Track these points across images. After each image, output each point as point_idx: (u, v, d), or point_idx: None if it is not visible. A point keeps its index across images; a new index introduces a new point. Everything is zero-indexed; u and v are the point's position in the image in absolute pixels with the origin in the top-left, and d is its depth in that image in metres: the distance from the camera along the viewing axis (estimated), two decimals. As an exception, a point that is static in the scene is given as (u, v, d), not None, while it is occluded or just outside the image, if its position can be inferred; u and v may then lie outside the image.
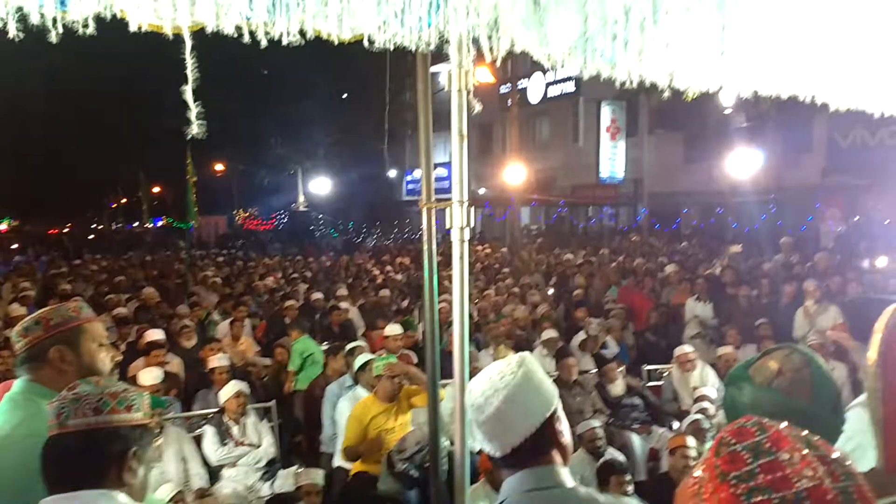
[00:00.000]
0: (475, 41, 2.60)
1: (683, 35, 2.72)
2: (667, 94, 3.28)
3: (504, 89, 23.90)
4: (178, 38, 2.02)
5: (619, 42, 2.66)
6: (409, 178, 34.59)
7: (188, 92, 2.04)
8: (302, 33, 2.25)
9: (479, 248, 20.13)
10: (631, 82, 2.99)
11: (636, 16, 2.56)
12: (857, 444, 1.85)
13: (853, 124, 16.58)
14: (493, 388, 1.77)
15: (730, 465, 0.91)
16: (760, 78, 3.18)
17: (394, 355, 5.91)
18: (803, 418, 1.49)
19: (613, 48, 2.70)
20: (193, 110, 2.07)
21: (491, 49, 2.61)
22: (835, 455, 0.91)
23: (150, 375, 5.73)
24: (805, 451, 0.89)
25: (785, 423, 0.95)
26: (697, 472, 0.97)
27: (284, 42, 2.24)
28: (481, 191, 29.38)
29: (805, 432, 0.94)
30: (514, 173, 20.47)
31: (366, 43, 2.37)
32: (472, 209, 2.92)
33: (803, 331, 8.16)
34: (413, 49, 2.51)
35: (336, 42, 2.40)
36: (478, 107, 2.87)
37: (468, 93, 2.98)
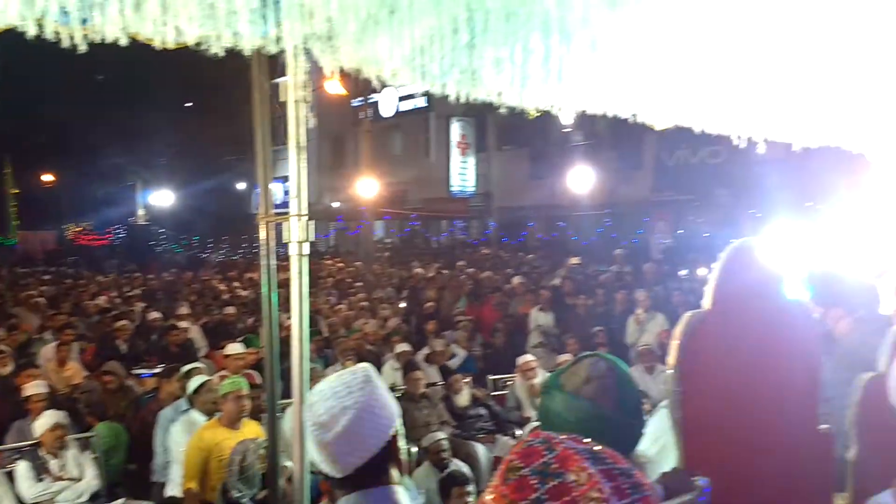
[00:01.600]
0: (308, 52, 2.57)
1: (511, 55, 2.84)
2: (503, 110, 3.40)
3: (357, 102, 23.88)
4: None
5: (447, 62, 2.72)
6: (259, 190, 33.49)
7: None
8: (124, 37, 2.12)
9: (331, 262, 19.88)
10: (465, 100, 3.07)
11: (464, 36, 2.64)
12: (662, 444, 1.99)
13: (678, 144, 17.99)
14: (341, 405, 1.66)
15: (517, 493, 0.90)
16: (587, 99, 3.38)
17: (237, 376, 5.67)
18: (608, 424, 1.58)
19: (441, 67, 2.76)
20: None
21: (327, 62, 2.60)
22: (622, 467, 0.91)
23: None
24: (591, 470, 0.89)
25: (573, 436, 0.94)
26: (488, 498, 0.94)
27: (102, 46, 2.11)
28: (335, 204, 29.12)
29: (593, 445, 0.94)
30: (367, 187, 20.46)
31: (191, 48, 2.27)
32: (314, 223, 2.86)
33: (634, 337, 8.74)
34: (247, 56, 2.44)
35: (161, 47, 2.29)
36: (312, 120, 2.82)
37: (306, 104, 2.92)
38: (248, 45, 2.33)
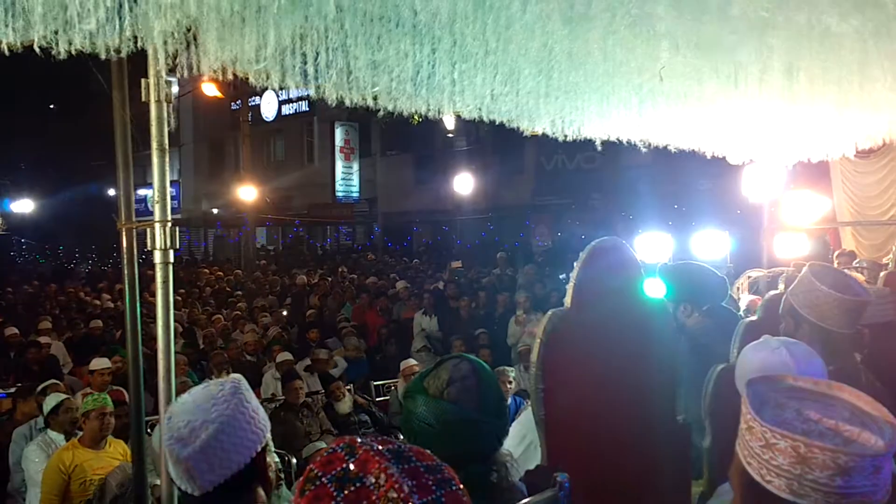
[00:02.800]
0: (168, 51, 2.46)
1: (384, 59, 2.84)
2: (383, 114, 3.39)
3: (236, 105, 23.15)
4: None
5: (322, 62, 2.69)
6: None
7: None
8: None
9: (208, 270, 19.16)
10: (342, 102, 3.05)
11: (336, 38, 2.61)
12: (530, 441, 2.04)
13: (556, 150, 18.63)
14: (202, 418, 1.56)
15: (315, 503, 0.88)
16: (461, 105, 3.44)
17: (103, 393, 5.34)
18: (470, 425, 1.60)
19: (317, 68, 2.72)
20: None
21: (194, 63, 2.50)
22: (428, 463, 0.90)
23: None
24: (391, 470, 0.87)
25: (381, 439, 0.93)
26: None
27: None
28: (214, 210, 28.13)
29: (399, 444, 0.93)
30: (248, 192, 19.89)
31: (37, 49, 2.12)
32: (178, 230, 2.74)
33: (515, 338, 8.94)
34: (103, 57, 2.30)
35: (6, 50, 2.12)
36: (173, 122, 2.71)
37: (168, 104, 2.80)
38: (101, 45, 2.22)
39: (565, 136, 3.91)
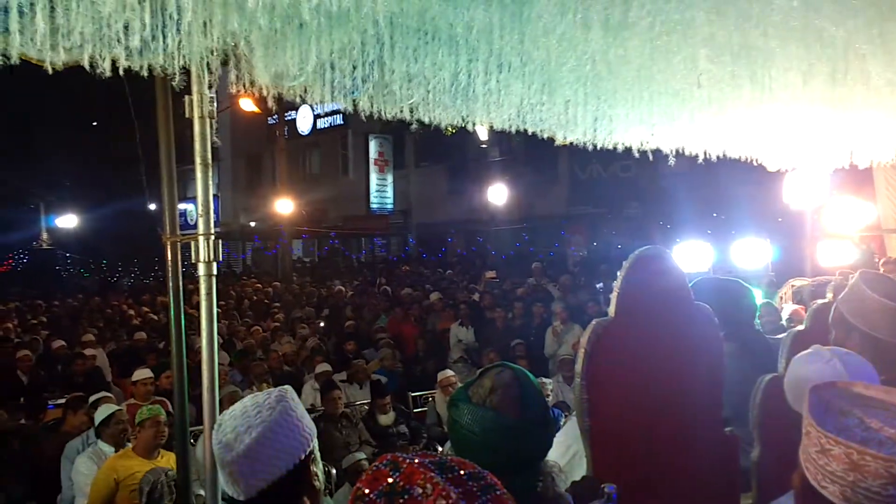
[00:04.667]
0: (211, 68, 2.52)
1: (421, 70, 2.86)
2: (415, 125, 3.42)
3: (272, 120, 23.50)
4: None
5: (359, 76, 2.72)
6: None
7: None
8: (6, 57, 2.02)
9: (248, 282, 19.43)
10: (379, 115, 3.08)
11: (373, 51, 2.64)
12: (575, 451, 2.02)
13: (590, 160, 18.52)
14: (247, 424, 1.60)
15: None
16: (496, 115, 3.44)
17: (153, 404, 5.43)
18: (513, 433, 1.59)
19: (354, 82, 2.76)
20: None
21: (238, 78, 2.56)
22: (471, 471, 0.92)
23: None
24: (437, 479, 0.89)
25: (422, 452, 0.95)
26: None
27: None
28: (252, 224, 28.53)
29: (441, 457, 0.95)
30: (285, 206, 20.17)
31: (87, 67, 2.18)
32: (222, 243, 2.78)
33: (552, 349, 8.88)
34: (145, 75, 2.36)
35: (50, 69, 2.18)
36: (216, 138, 2.76)
37: (212, 119, 2.86)
38: (145, 64, 2.27)
39: (600, 145, 3.89)
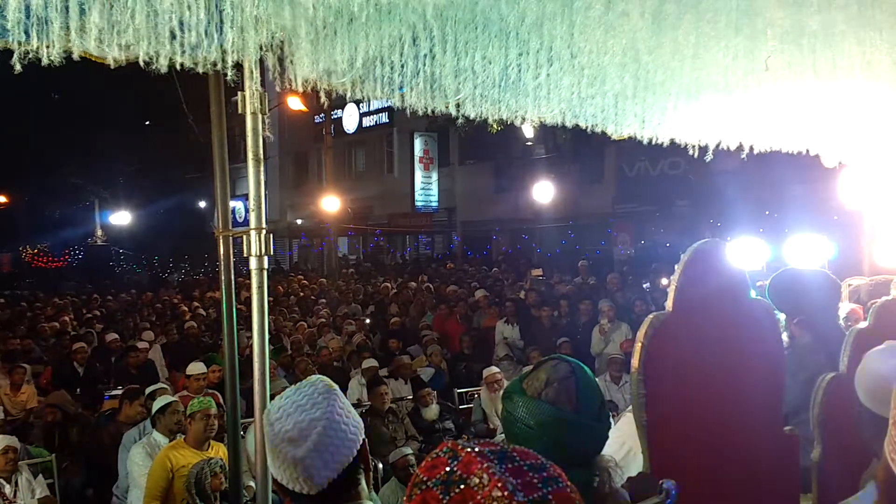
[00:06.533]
0: (264, 64, 2.54)
1: (470, 65, 2.84)
2: (461, 121, 3.40)
3: (319, 119, 23.78)
4: None
5: (408, 71, 2.72)
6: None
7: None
8: (68, 54, 2.06)
9: (295, 278, 19.70)
10: (426, 111, 3.07)
11: (424, 45, 2.63)
12: (629, 447, 1.98)
13: (638, 156, 18.25)
14: (308, 417, 1.60)
15: None
16: (546, 109, 3.40)
17: (204, 396, 5.55)
18: (569, 426, 1.57)
19: (402, 77, 2.75)
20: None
21: (283, 74, 2.58)
22: (532, 462, 0.91)
23: None
24: (493, 469, 0.89)
25: (484, 441, 0.94)
26: None
27: (45, 63, 2.05)
28: (298, 221, 28.93)
29: (503, 446, 0.94)
30: (331, 203, 20.40)
31: (141, 64, 2.22)
32: (272, 237, 2.81)
33: (599, 347, 8.77)
34: (200, 71, 2.40)
35: (112, 65, 2.23)
36: (268, 133, 2.78)
37: (264, 115, 2.89)
38: (200, 60, 2.30)
39: (650, 140, 3.81)
